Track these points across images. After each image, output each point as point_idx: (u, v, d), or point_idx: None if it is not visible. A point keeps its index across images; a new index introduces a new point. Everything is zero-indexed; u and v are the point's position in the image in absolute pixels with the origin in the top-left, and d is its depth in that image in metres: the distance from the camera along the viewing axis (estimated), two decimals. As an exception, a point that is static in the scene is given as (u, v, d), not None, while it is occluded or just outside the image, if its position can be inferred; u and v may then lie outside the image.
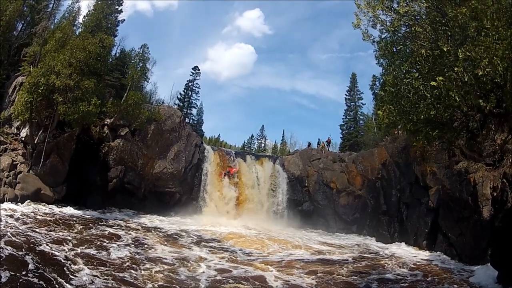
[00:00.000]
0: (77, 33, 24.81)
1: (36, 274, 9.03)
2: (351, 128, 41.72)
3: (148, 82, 32.93)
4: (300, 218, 27.66)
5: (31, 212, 16.75)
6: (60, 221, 16.26)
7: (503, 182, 12.82)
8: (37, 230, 13.68)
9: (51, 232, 13.77)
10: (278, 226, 25.79)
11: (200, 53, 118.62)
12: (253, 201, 28.43)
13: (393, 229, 23.01)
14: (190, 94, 44.44)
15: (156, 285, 10.02)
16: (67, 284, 8.85)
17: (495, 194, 14.01)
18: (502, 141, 10.24)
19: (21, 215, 15.75)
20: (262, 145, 55.03)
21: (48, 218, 16.34)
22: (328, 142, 36.95)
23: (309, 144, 36.59)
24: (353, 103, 42.86)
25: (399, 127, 12.96)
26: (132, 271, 10.96)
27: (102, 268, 10.72)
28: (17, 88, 21.36)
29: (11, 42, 24.89)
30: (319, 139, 41.58)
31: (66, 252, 11.48)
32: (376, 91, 35.41)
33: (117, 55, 31.80)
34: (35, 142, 20.06)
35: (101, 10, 27.45)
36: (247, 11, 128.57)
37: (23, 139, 20.64)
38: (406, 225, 21.76)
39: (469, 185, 16.20)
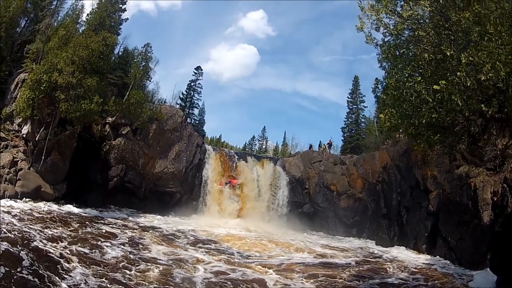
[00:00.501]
0: (80, 31, 24.88)
1: (31, 270, 9.07)
2: (353, 131, 41.69)
3: (150, 81, 33.01)
4: (300, 220, 27.58)
5: (30, 209, 16.74)
6: (58, 219, 16.23)
7: (504, 187, 12.81)
8: (34, 227, 13.66)
9: (47, 229, 13.74)
10: (278, 227, 25.76)
11: (203, 54, 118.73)
12: (254, 202, 28.40)
13: (393, 232, 22.99)
14: (192, 94, 44.58)
15: (151, 286, 9.96)
16: (60, 282, 8.87)
17: (495, 199, 14.00)
18: (503, 146, 10.22)
19: (19, 212, 15.74)
20: (264, 146, 55.06)
21: (46, 216, 16.33)
22: (330, 145, 36.97)
23: (310, 146, 36.67)
24: (355, 106, 42.84)
25: (400, 130, 12.92)
26: (126, 271, 10.89)
27: (96, 267, 10.68)
28: (19, 84, 21.40)
29: (14, 38, 24.94)
30: (320, 141, 41.61)
31: (61, 250, 11.47)
32: (378, 94, 35.25)
33: (120, 53, 31.89)
34: (36, 139, 20.08)
35: (104, 9, 27.59)
36: (251, 12, 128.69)
37: (24, 136, 20.68)
38: (406, 228, 21.75)
39: (470, 190, 16.18)
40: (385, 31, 9.83)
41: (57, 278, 9.03)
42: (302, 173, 29.76)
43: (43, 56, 21.04)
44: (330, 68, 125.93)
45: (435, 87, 7.88)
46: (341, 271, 14.25)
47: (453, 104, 7.93)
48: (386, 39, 9.99)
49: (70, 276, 9.43)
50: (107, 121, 23.99)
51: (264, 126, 59.57)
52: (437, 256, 17.92)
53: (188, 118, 40.16)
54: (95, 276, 9.86)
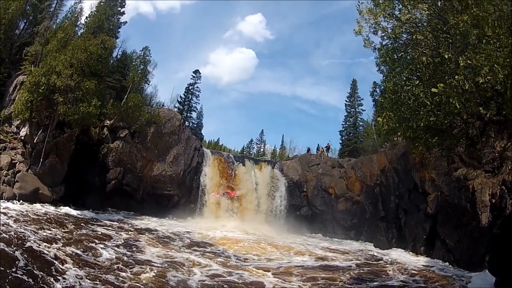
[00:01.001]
0: (79, 34, 24.90)
1: (25, 271, 9.02)
2: (351, 134, 41.73)
3: (148, 84, 32.91)
4: (298, 223, 27.54)
5: (27, 211, 16.66)
6: (55, 221, 16.17)
7: (502, 189, 12.85)
8: (30, 228, 13.56)
9: (43, 231, 13.67)
10: (276, 230, 25.64)
11: (201, 57, 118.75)
12: (252, 205, 28.37)
13: (391, 235, 23.05)
14: (190, 98, 44.56)
15: None
16: (55, 284, 8.81)
17: (493, 201, 14.05)
18: (502, 148, 10.28)
19: (16, 213, 15.64)
20: (262, 149, 54.97)
21: (43, 217, 16.25)
22: (328, 148, 37.01)
23: (308, 150, 36.63)
24: (353, 109, 42.89)
25: (398, 133, 12.97)
26: (120, 273, 10.77)
27: (90, 269, 10.58)
28: (18, 87, 21.41)
29: (13, 40, 25.00)
30: (318, 145, 41.66)
31: (56, 251, 11.37)
32: (376, 98, 35.65)
33: (119, 56, 31.95)
34: (35, 141, 20.07)
35: (103, 12, 27.59)
36: (249, 16, 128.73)
37: (22, 138, 20.67)
38: (404, 231, 21.81)
39: (468, 192, 16.25)
40: (383, 34, 9.89)
41: (51, 279, 8.97)
42: (300, 176, 29.77)
43: (42, 59, 21.04)
44: (328, 72, 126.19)
45: (433, 90, 7.91)
46: (341, 273, 14.19)
47: (451, 107, 7.96)
48: (384, 43, 10.03)
49: (64, 277, 9.36)
50: (105, 124, 23.99)
51: (262, 130, 59.55)
52: (436, 258, 17.96)
53: (186, 122, 40.11)
54: (89, 278, 9.77)
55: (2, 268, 8.75)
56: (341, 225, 27.14)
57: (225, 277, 12.23)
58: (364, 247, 22.59)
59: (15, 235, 11.98)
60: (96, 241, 14.10)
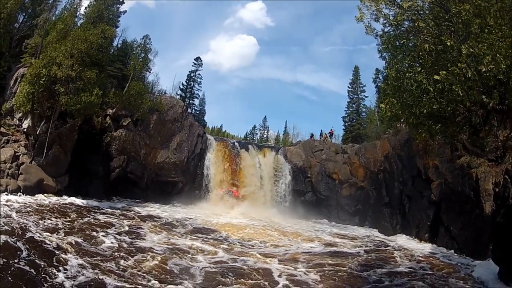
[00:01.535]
0: (79, 25, 24.72)
1: (28, 262, 9.13)
2: (354, 120, 41.60)
3: (150, 72, 33.00)
4: (302, 209, 27.70)
5: (31, 202, 16.78)
6: (60, 211, 16.29)
7: (505, 179, 12.74)
8: (34, 219, 13.69)
9: (47, 221, 13.82)
10: (281, 216, 25.84)
11: (202, 44, 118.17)
12: (256, 191, 28.48)
13: (395, 221, 23.06)
14: (192, 85, 44.46)
15: (146, 277, 9.81)
16: (57, 274, 8.88)
17: (497, 190, 13.97)
18: (505, 137, 10.18)
19: (21, 205, 15.79)
20: (265, 135, 55.06)
21: (48, 208, 16.36)
22: (331, 134, 36.96)
23: (312, 136, 36.67)
24: (355, 96, 42.72)
25: (401, 120, 12.89)
26: (122, 261, 10.80)
27: (92, 258, 10.60)
28: (19, 79, 21.40)
29: (13, 34, 24.91)
30: (321, 131, 41.57)
31: (58, 241, 11.44)
32: (379, 84, 35.44)
33: (119, 46, 31.77)
34: (37, 133, 20.13)
35: (102, 1, 27.31)
36: (250, 3, 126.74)
37: (25, 130, 20.74)
38: (408, 217, 21.80)
39: (471, 180, 16.12)
40: (384, 21, 9.78)
41: (53, 269, 9.06)
42: (304, 162, 29.78)
43: (42, 51, 20.96)
44: (330, 59, 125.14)
45: (435, 77, 7.83)
46: (350, 260, 14.17)
47: (454, 94, 7.89)
48: (386, 30, 9.91)
49: (65, 266, 9.43)
50: (108, 113, 24.01)
51: (265, 116, 59.91)
52: (440, 246, 17.93)
53: (189, 109, 40.11)
54: (91, 266, 9.81)
55: (5, 260, 8.88)
56: (345, 211, 27.22)
57: (230, 263, 12.24)
58: (370, 233, 22.65)
59: (18, 226, 12.10)
60: (99, 229, 14.22)
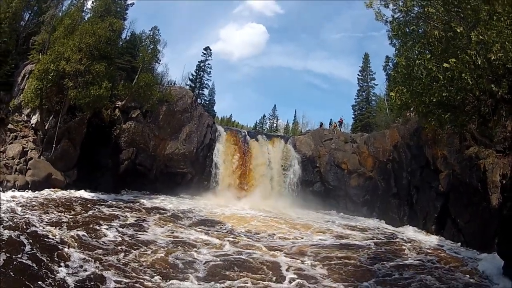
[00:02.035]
0: (86, 19, 24.76)
1: (31, 256, 9.28)
2: (363, 109, 41.14)
3: (159, 63, 32.94)
4: (311, 199, 27.59)
5: (36, 197, 16.98)
6: (68, 205, 16.50)
7: (512, 170, 12.63)
8: (38, 213, 13.86)
9: (51, 215, 13.96)
10: (289, 207, 25.87)
11: (211, 34, 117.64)
12: (265, 181, 28.49)
13: (402, 212, 22.96)
14: (201, 75, 44.29)
15: (148, 272, 9.76)
16: (58, 269, 8.98)
17: (504, 182, 13.77)
18: (512, 129, 10.07)
19: (25, 200, 15.95)
20: (274, 125, 55.02)
21: (52, 202, 16.51)
22: (340, 123, 36.80)
23: (321, 124, 36.50)
24: (365, 84, 42.16)
25: (411, 109, 12.81)
26: (124, 255, 10.78)
27: (94, 252, 10.62)
28: (26, 76, 21.64)
29: (19, 32, 25.16)
30: (331, 119, 41.38)
31: (61, 235, 11.57)
32: (389, 72, 35.03)
33: (127, 38, 31.82)
34: (46, 128, 20.37)
35: (109, -5, 27.26)
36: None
37: (33, 125, 20.99)
38: (415, 208, 21.68)
39: (479, 171, 15.93)
40: (394, 7, 9.72)
41: (55, 265, 9.15)
42: (313, 151, 29.71)
43: (49, 46, 21.10)
44: (340, 46, 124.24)
45: (445, 65, 7.76)
46: (360, 252, 14.16)
47: (463, 82, 7.85)
48: (395, 16, 9.83)
49: (67, 262, 9.49)
50: (117, 105, 24.16)
51: (275, 105, 59.50)
52: (446, 238, 17.88)
53: (198, 99, 40.10)
54: (93, 260, 9.88)
55: (8, 255, 9.05)
56: (353, 201, 27.09)
57: (235, 256, 12.11)
58: (379, 225, 22.53)
59: (22, 221, 12.29)
60: (102, 222, 14.24)
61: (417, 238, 18.24)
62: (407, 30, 9.51)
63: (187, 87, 39.35)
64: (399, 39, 9.95)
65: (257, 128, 51.93)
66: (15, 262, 8.78)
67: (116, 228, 13.71)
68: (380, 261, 13.17)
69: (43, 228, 12.03)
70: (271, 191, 28.16)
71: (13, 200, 15.37)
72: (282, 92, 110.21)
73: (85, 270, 9.15)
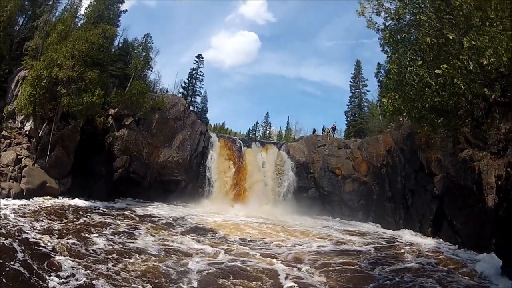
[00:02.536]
0: (79, 25, 24.76)
1: (23, 264, 9.17)
2: (356, 115, 41.55)
3: (151, 71, 33.04)
4: (305, 205, 27.52)
5: (33, 205, 16.87)
6: (56, 212, 16.23)
7: (508, 171, 12.65)
8: (30, 221, 13.72)
9: (43, 223, 13.79)
10: (284, 213, 25.73)
11: (203, 42, 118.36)
12: (259, 188, 28.44)
13: (398, 216, 23.07)
14: (194, 83, 44.51)
15: (138, 281, 9.44)
16: (48, 278, 8.78)
17: (499, 183, 13.89)
18: (507, 130, 10.18)
19: (18, 208, 15.77)
20: (267, 132, 55.14)
21: (50, 210, 16.43)
22: (333, 129, 36.92)
23: (314, 131, 36.68)
24: (357, 90, 42.66)
25: (404, 114, 12.90)
26: (115, 263, 10.52)
27: (85, 260, 10.41)
28: (20, 82, 21.55)
29: (13, 36, 25.05)
30: (324, 126, 41.55)
31: (52, 243, 11.40)
32: (381, 79, 35.36)
33: (120, 45, 31.87)
34: (40, 135, 20.23)
35: (102, 1, 27.38)
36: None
37: (27, 132, 20.86)
38: (411, 212, 21.83)
39: (474, 173, 16.10)
40: (386, 15, 9.77)
41: (45, 274, 8.97)
42: (307, 157, 29.74)
43: (43, 52, 21.04)
44: (332, 53, 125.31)
45: (437, 71, 7.83)
46: (361, 257, 14.11)
47: (456, 87, 7.92)
48: (387, 24, 9.91)
49: (58, 270, 9.33)
50: (110, 113, 24.07)
51: (267, 112, 59.98)
52: (442, 240, 18.03)
53: (191, 106, 40.11)
54: (84, 268, 9.68)
55: (1, 261, 8.95)
56: (348, 206, 27.13)
57: (229, 264, 11.78)
58: (376, 229, 22.51)
59: (14, 229, 12.13)
60: (93, 230, 14.02)
61: (415, 241, 18.26)
62: (399, 38, 9.60)
63: (180, 94, 39.52)
64: (391, 46, 10.04)
65: (250, 135, 51.98)
66: (7, 269, 8.67)
67: (108, 236, 13.50)
68: (380, 265, 13.08)
69: (35, 235, 11.89)
70: (266, 198, 28.09)
71: (6, 208, 15.17)
72: (275, 99, 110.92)
73: (77, 280, 8.96)
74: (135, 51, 28.79)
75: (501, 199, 12.51)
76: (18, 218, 13.94)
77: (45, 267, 9.39)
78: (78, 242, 12.04)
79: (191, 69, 44.66)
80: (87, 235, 13.14)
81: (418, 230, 20.49)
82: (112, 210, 19.07)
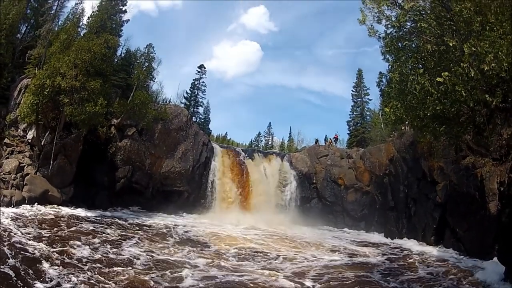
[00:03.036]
0: (82, 34, 24.97)
1: (12, 268, 9.26)
2: (358, 124, 41.50)
3: (154, 81, 33.25)
4: (309, 215, 27.37)
5: (36, 214, 16.82)
6: (57, 221, 16.17)
7: (510, 177, 12.65)
8: (38, 230, 13.76)
9: (36, 231, 13.72)
10: (287, 224, 25.55)
11: (205, 51, 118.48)
12: (261, 199, 28.33)
13: (401, 225, 22.92)
14: (196, 93, 44.62)
15: None
16: (36, 286, 8.76)
17: (502, 189, 13.82)
18: (509, 136, 10.16)
19: (23, 216, 15.79)
20: (270, 142, 55.11)
21: (51, 219, 16.32)
22: (336, 139, 36.84)
23: (316, 141, 36.66)
24: (359, 99, 42.69)
25: (406, 123, 12.90)
26: (105, 273, 10.27)
27: (74, 269, 10.22)
28: (23, 90, 21.64)
29: (15, 44, 25.22)
30: (326, 136, 41.52)
31: (42, 251, 11.29)
32: (382, 87, 35.25)
33: (123, 55, 32.08)
34: (42, 144, 20.27)
35: (105, 11, 27.65)
36: (252, 8, 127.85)
37: (29, 141, 20.88)
38: (414, 220, 21.69)
39: (476, 180, 16.06)
40: (387, 23, 9.88)
41: (32, 281, 8.96)
42: (309, 168, 29.67)
43: (45, 61, 21.24)
44: (334, 62, 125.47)
45: (438, 79, 7.86)
46: (373, 268, 14.01)
47: (457, 95, 7.94)
48: (388, 31, 9.98)
49: (44, 278, 9.28)
50: (112, 123, 24.12)
51: (270, 122, 59.90)
52: (447, 248, 17.86)
53: (193, 117, 40.22)
54: (72, 277, 9.54)
55: None
56: (351, 216, 27.01)
57: (226, 278, 11.25)
58: (380, 239, 22.32)
59: (6, 234, 12.20)
60: (84, 239, 13.69)
61: (421, 250, 18.09)
62: (400, 45, 9.65)
63: (182, 105, 39.62)
64: (392, 55, 10.09)
65: (253, 145, 51.96)
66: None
67: (97, 245, 13.20)
68: (388, 276, 12.96)
69: (27, 242, 11.85)
70: (269, 209, 27.88)
71: (13, 217, 15.19)
72: (277, 109, 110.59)
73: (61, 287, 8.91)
74: (138, 61, 28.98)
75: (504, 205, 12.46)
76: (26, 228, 13.84)
77: (32, 275, 9.31)
78: (71, 250, 11.89)
79: (193, 80, 44.85)
80: (75, 243, 12.77)
81: (421, 239, 20.32)
82: (109, 219, 18.90)
